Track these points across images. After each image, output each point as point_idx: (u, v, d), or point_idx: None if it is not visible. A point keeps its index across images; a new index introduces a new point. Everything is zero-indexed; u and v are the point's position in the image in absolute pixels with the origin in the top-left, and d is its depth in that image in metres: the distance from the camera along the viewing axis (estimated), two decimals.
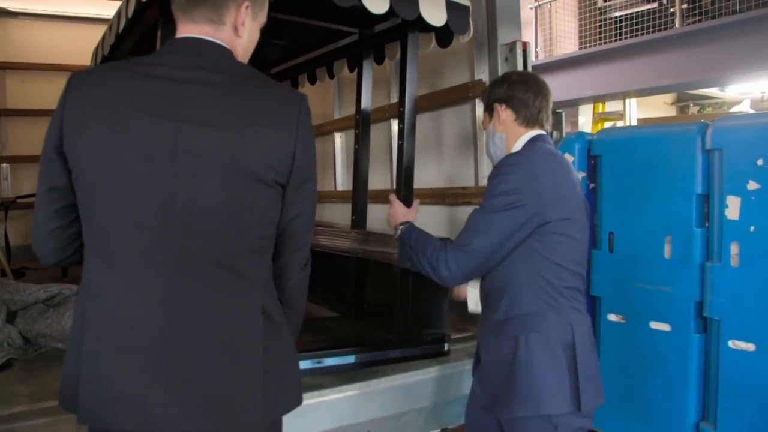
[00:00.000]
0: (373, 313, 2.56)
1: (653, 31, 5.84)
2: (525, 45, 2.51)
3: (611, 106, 7.34)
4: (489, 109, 1.90)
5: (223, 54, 1.26)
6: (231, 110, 1.20)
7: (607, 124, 7.27)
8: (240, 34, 1.29)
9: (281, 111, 1.26)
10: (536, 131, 1.86)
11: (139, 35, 2.68)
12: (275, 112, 1.25)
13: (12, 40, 6.33)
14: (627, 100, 7.03)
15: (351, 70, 3.13)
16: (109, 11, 6.11)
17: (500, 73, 2.55)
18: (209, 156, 1.17)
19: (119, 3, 6.40)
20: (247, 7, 1.28)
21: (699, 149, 2.18)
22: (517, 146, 1.85)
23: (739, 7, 5.30)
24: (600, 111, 7.29)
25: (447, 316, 2.41)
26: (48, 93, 6.01)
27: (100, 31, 6.23)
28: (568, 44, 6.79)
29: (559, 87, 6.35)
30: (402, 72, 2.42)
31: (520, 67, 2.50)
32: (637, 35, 6.00)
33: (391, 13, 2.09)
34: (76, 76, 1.23)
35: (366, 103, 2.85)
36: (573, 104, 6.73)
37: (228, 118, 1.19)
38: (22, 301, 2.30)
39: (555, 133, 2.57)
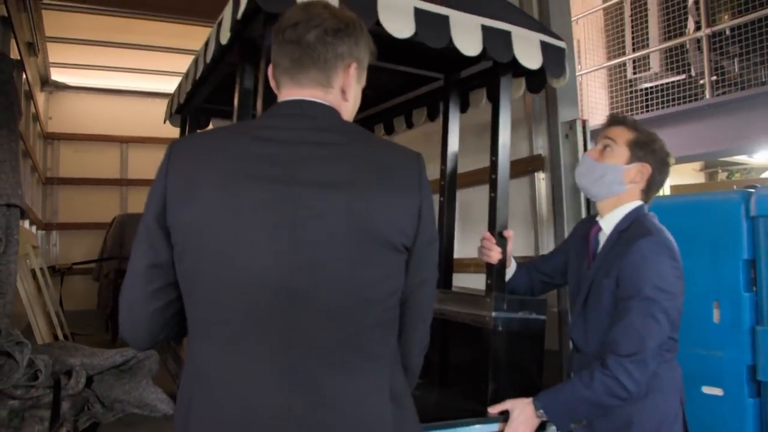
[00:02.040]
0: (458, 380, 2.37)
1: (682, 102, 5.99)
2: (585, 122, 2.54)
3: None
4: (637, 151, 1.85)
5: (335, 115, 1.19)
6: (352, 170, 1.11)
7: None
8: (347, 97, 1.22)
9: (403, 169, 1.17)
10: (642, 203, 1.91)
11: (216, 82, 2.55)
12: (397, 171, 1.16)
13: (66, 112, 6.74)
14: None
15: (431, 119, 3.01)
16: (158, 86, 6.51)
17: (561, 148, 2.58)
18: (333, 220, 1.06)
19: (165, 77, 6.57)
20: (355, 69, 1.22)
21: (743, 216, 2.29)
22: (625, 209, 1.87)
23: (766, 79, 5.47)
24: None
25: (542, 385, 2.17)
26: (98, 163, 6.39)
27: (149, 104, 6.60)
28: (598, 115, 6.94)
29: None
30: (494, 120, 2.25)
31: (580, 144, 2.50)
32: (666, 106, 6.15)
33: (482, 55, 1.95)
34: (178, 144, 1.15)
35: (453, 149, 2.65)
36: None
37: (351, 179, 1.09)
38: (99, 365, 2.35)
39: None
